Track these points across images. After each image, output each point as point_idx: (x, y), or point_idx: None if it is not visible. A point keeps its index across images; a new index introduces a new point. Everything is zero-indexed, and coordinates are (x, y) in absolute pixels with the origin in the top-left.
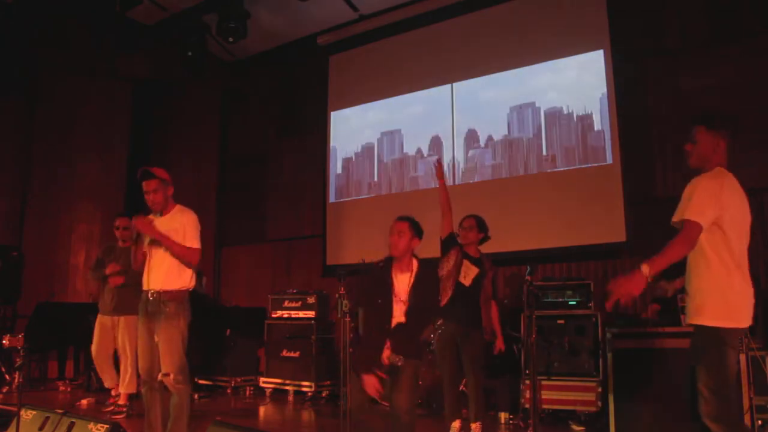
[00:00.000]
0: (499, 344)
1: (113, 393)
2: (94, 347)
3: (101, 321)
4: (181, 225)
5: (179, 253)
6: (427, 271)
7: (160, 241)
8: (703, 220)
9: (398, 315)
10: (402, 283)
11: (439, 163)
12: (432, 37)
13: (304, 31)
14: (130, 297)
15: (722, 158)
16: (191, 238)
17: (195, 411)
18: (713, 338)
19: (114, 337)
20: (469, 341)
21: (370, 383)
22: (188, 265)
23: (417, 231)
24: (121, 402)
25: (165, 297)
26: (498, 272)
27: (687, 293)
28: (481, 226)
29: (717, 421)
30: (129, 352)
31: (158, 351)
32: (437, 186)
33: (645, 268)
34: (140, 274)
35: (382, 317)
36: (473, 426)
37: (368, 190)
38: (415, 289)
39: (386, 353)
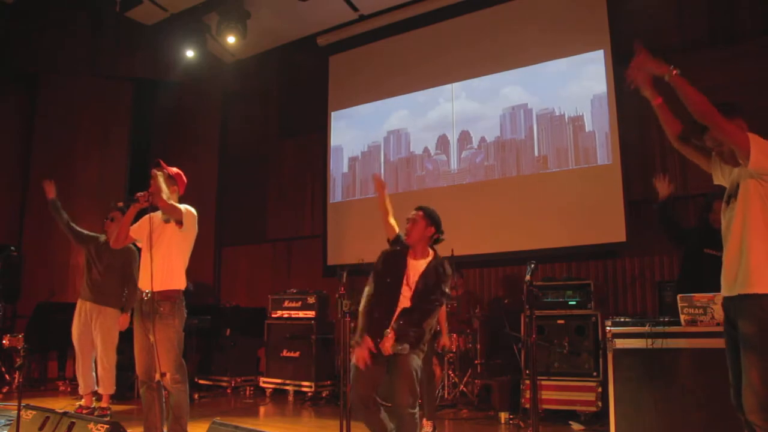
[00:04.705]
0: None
1: (84, 402)
2: (75, 335)
3: (80, 307)
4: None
5: (167, 207)
6: (441, 262)
7: (159, 189)
8: (757, 154)
9: (404, 300)
10: (414, 268)
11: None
12: (432, 37)
13: (304, 31)
14: (110, 287)
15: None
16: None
17: (195, 411)
18: None
19: (91, 329)
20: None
21: (362, 354)
22: (178, 221)
23: (432, 220)
24: (104, 405)
25: (159, 297)
26: None
27: (733, 259)
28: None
29: None
30: (109, 348)
31: (155, 351)
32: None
33: (675, 71)
34: (120, 268)
35: (388, 297)
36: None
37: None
38: (425, 277)
39: (389, 342)
